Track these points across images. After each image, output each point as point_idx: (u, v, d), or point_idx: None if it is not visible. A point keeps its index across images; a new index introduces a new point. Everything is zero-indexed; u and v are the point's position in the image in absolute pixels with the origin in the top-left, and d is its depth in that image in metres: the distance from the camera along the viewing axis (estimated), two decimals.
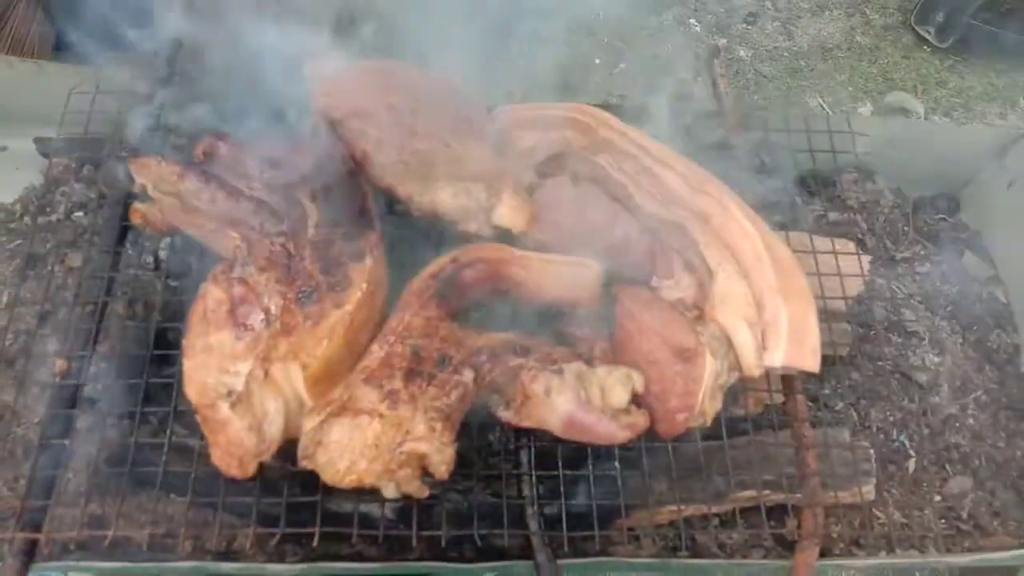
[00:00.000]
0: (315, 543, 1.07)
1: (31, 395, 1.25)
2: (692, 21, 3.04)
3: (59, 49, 2.62)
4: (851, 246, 1.44)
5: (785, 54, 2.99)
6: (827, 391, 1.41)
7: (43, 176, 1.49)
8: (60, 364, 1.18)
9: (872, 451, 1.32)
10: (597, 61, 2.87)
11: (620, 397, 1.10)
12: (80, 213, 1.46)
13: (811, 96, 2.87)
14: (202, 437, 1.06)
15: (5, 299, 1.40)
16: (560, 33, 2.89)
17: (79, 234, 1.44)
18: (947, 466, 1.38)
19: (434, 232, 1.28)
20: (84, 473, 1.19)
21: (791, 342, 1.13)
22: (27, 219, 1.49)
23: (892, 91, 2.89)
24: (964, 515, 1.34)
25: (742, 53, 2.97)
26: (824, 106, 2.83)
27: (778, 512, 1.27)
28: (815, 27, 3.06)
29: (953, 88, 2.91)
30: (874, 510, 1.32)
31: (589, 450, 1.17)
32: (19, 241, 1.46)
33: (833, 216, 1.58)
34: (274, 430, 1.07)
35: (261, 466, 1.05)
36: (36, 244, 1.42)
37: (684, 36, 2.98)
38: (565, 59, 2.81)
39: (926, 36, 2.98)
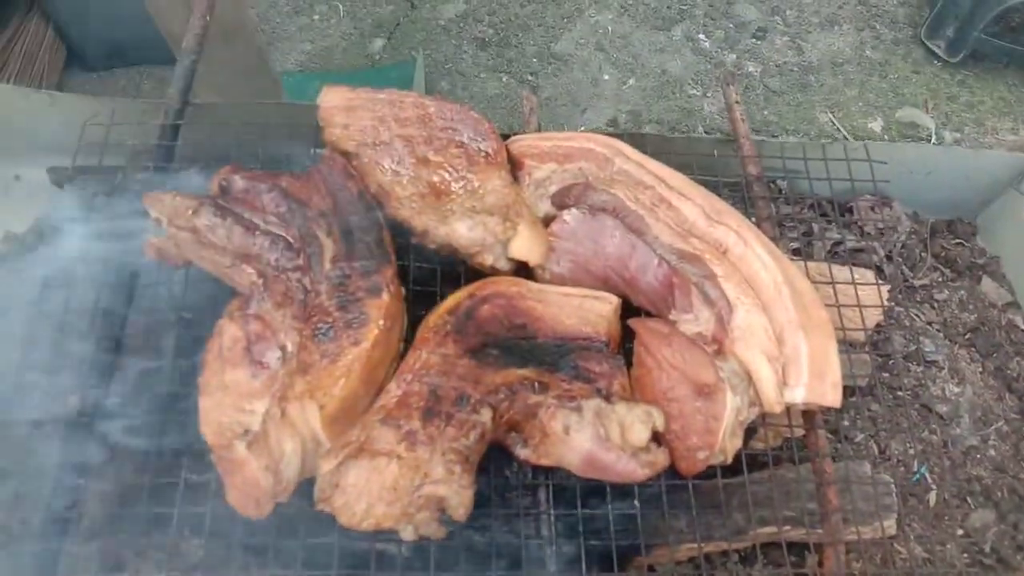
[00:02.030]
0: None
1: (45, 432, 1.24)
2: (701, 36, 3.03)
3: (70, 65, 2.64)
4: (870, 275, 1.43)
5: (794, 69, 2.98)
6: (847, 422, 1.40)
7: (56, 206, 1.48)
8: (74, 400, 1.17)
9: (893, 485, 1.30)
10: (606, 77, 2.86)
11: (640, 435, 1.09)
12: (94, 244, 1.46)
13: (821, 111, 2.86)
14: (218, 475, 1.05)
15: (19, 332, 1.39)
16: (570, 49, 2.90)
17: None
18: (969, 499, 1.36)
19: (450, 265, 1.27)
20: (99, 512, 1.18)
21: (812, 378, 1.12)
22: (40, 249, 1.48)
23: (903, 106, 2.87)
24: (987, 549, 1.32)
25: (751, 68, 2.96)
26: (835, 121, 2.81)
27: (799, 548, 1.25)
28: (825, 42, 3.05)
29: (964, 103, 2.89)
30: (896, 545, 1.30)
31: (608, 488, 1.16)
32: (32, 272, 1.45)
33: (851, 242, 1.56)
34: (291, 471, 1.06)
35: (277, 505, 1.05)
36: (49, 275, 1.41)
37: (693, 51, 2.97)
38: (574, 75, 2.82)
39: (936, 51, 2.97)
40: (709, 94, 2.83)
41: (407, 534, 1.03)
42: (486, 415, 1.08)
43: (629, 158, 1.33)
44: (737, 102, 1.48)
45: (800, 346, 1.13)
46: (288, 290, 1.16)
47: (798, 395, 1.12)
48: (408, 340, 1.18)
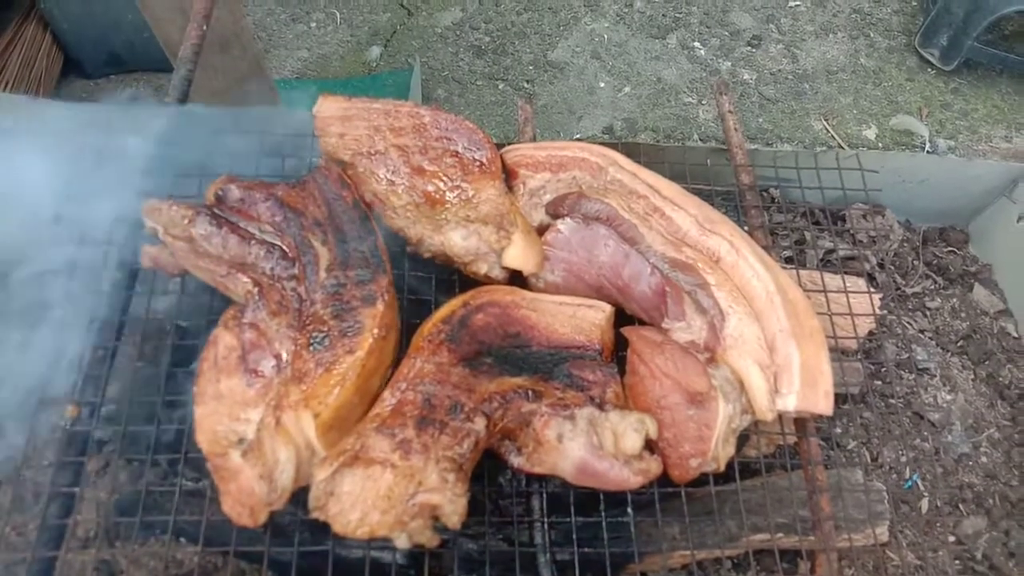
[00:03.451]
0: None
1: (41, 439, 1.24)
2: (696, 44, 3.04)
3: (67, 72, 2.65)
4: (861, 283, 1.44)
5: (789, 77, 2.99)
6: (839, 430, 1.40)
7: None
8: (71, 409, 1.17)
9: (885, 492, 1.31)
10: (602, 85, 2.87)
11: (634, 443, 1.10)
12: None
13: (816, 119, 2.87)
14: (213, 482, 1.05)
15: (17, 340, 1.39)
16: (566, 57, 2.91)
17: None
18: (960, 506, 1.37)
19: (444, 274, 1.28)
20: (95, 520, 1.18)
21: (804, 386, 1.13)
22: None
23: (897, 114, 2.88)
24: (978, 556, 1.33)
25: (746, 76, 2.97)
26: (829, 129, 2.82)
27: (791, 555, 1.26)
28: (819, 50, 3.06)
29: (958, 110, 2.90)
30: (888, 552, 1.31)
31: (601, 496, 1.17)
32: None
33: (843, 251, 1.57)
34: (285, 479, 1.06)
35: (272, 513, 1.05)
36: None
37: (688, 59, 2.99)
38: (570, 83, 2.83)
39: (930, 59, 2.98)
40: (704, 102, 2.84)
41: (401, 542, 1.03)
42: (480, 423, 1.08)
43: (623, 167, 1.34)
44: (730, 111, 1.49)
45: (792, 354, 1.14)
46: (283, 299, 1.17)
47: (790, 403, 1.12)
48: (403, 349, 1.19)
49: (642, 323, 1.27)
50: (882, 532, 1.26)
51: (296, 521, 1.12)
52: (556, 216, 1.30)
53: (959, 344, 1.53)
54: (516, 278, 1.26)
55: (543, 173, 1.34)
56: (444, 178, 1.29)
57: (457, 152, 1.31)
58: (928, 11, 2.98)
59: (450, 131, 1.33)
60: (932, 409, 1.44)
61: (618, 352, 1.23)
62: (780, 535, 1.23)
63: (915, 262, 1.61)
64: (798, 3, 3.20)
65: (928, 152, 2.55)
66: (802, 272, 1.38)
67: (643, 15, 3.07)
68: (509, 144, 1.40)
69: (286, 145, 1.39)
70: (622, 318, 1.26)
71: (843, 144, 2.75)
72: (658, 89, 2.86)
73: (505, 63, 2.83)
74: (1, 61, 2.38)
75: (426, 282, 1.31)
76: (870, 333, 1.42)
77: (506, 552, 1.15)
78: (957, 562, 1.32)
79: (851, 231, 1.59)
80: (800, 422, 1.24)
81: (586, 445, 1.08)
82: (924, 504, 1.36)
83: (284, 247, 1.20)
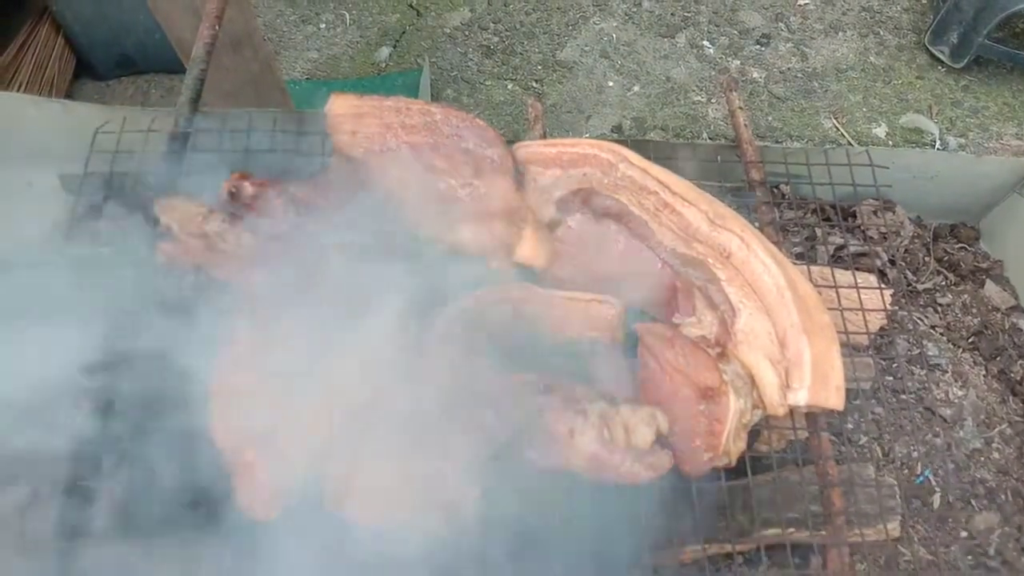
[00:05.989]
0: None
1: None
2: (705, 43, 3.04)
3: (79, 74, 2.67)
4: (872, 279, 1.44)
5: (799, 75, 2.98)
6: (850, 425, 1.40)
7: (68, 212, 1.50)
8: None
9: (897, 487, 1.31)
10: (611, 84, 2.88)
11: (645, 437, 1.10)
12: (105, 249, 1.48)
13: (825, 117, 2.86)
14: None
15: None
16: (574, 56, 2.91)
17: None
18: (973, 501, 1.37)
19: (455, 270, 1.29)
20: (111, 514, 1.19)
21: (815, 381, 1.13)
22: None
23: (907, 112, 2.87)
24: (991, 551, 1.33)
25: (755, 75, 2.97)
26: (839, 127, 2.82)
27: (803, 550, 1.26)
28: (829, 48, 3.06)
29: (968, 108, 2.89)
30: (899, 547, 1.30)
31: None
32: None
33: (854, 247, 1.57)
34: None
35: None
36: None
37: (697, 58, 2.99)
38: (579, 82, 2.83)
39: (940, 56, 2.97)
40: (714, 100, 2.84)
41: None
42: (491, 418, 1.09)
43: (633, 164, 1.34)
44: (740, 107, 1.49)
45: (803, 350, 1.14)
46: None
47: (801, 398, 1.13)
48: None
49: (653, 319, 1.27)
50: (894, 527, 1.25)
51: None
52: (567, 212, 1.31)
53: (970, 340, 1.53)
54: (527, 274, 1.27)
55: (553, 170, 1.35)
56: (455, 175, 1.30)
57: (468, 149, 1.32)
58: (938, 9, 2.97)
59: (461, 128, 1.34)
60: (944, 405, 1.44)
61: (629, 348, 1.24)
62: (791, 530, 1.23)
63: (926, 258, 1.61)
64: (807, 1, 3.20)
65: (939, 149, 2.54)
66: (813, 268, 1.38)
67: (652, 14, 3.08)
68: (519, 141, 1.40)
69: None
70: (633, 314, 1.26)
71: (853, 142, 2.74)
72: (667, 88, 2.86)
73: (514, 63, 2.84)
74: (14, 63, 2.41)
75: (436, 278, 1.31)
76: (881, 329, 1.42)
77: None
78: (969, 557, 1.32)
79: (862, 227, 1.59)
80: (811, 417, 1.24)
81: (597, 439, 1.09)
82: (936, 499, 1.36)
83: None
